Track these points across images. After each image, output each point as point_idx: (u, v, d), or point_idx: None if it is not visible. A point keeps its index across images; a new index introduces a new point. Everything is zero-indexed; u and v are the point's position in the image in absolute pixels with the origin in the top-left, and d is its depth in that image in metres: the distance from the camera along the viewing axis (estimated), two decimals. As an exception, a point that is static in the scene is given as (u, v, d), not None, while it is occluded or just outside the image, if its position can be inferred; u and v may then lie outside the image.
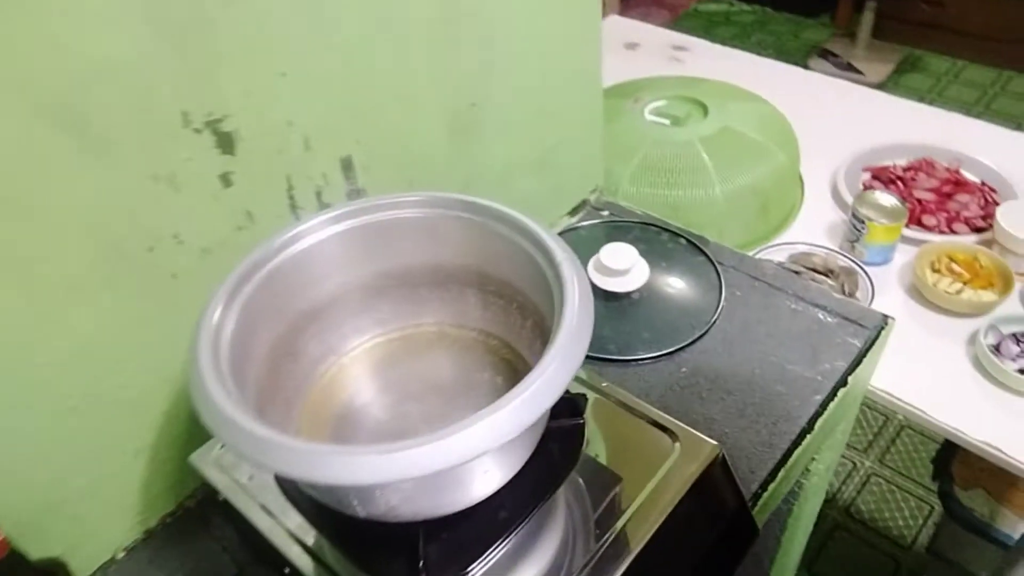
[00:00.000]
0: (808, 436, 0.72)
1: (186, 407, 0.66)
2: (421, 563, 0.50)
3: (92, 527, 0.64)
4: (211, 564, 0.65)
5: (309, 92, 0.63)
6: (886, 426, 1.69)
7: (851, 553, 1.44)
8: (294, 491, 0.57)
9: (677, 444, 0.58)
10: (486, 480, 0.50)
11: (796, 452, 0.71)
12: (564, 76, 0.89)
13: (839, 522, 1.48)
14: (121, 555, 0.67)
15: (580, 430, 0.59)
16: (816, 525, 1.49)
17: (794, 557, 1.07)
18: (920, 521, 1.47)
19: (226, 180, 0.60)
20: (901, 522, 1.48)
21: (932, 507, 1.49)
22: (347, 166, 0.69)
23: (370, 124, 0.69)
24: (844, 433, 0.91)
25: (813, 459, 0.85)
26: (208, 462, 0.61)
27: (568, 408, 0.59)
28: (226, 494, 0.58)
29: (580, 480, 0.58)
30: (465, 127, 0.79)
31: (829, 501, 1.56)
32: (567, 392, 0.58)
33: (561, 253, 0.51)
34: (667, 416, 0.61)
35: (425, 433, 0.55)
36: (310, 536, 0.54)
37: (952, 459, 1.10)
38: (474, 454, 0.41)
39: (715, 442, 0.58)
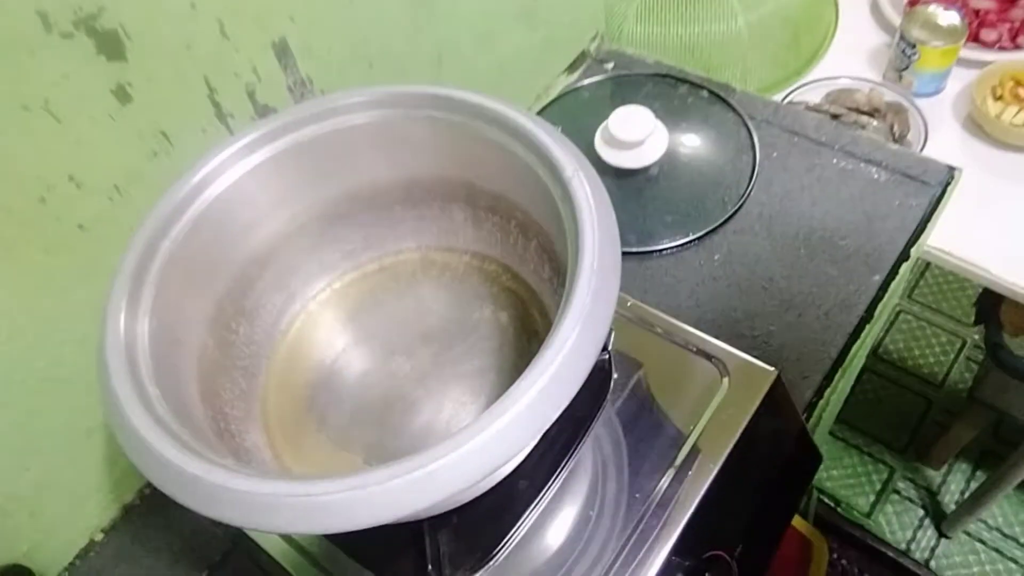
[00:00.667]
0: (868, 325, 0.62)
1: (138, 369, 0.56)
2: (429, 564, 0.41)
3: (56, 518, 0.56)
4: (201, 538, 0.58)
5: (212, -41, 0.47)
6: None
7: (881, 395, 1.39)
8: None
9: (726, 374, 0.48)
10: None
11: (855, 346, 0.61)
12: None
13: (867, 364, 1.42)
14: (100, 536, 0.60)
15: (606, 367, 0.49)
16: (843, 368, 1.43)
17: (831, 421, 1.01)
18: (952, 357, 1.41)
19: (122, 95, 0.46)
20: (932, 359, 1.42)
21: (964, 341, 1.43)
22: (282, 52, 0.54)
23: (305, -8, 0.53)
24: (896, 295, 0.81)
25: (863, 337, 0.75)
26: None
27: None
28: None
29: (614, 422, 0.49)
30: (429, -20, 0.62)
31: (856, 342, 1.50)
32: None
33: (570, 165, 0.38)
34: (709, 339, 0.50)
35: (422, 399, 0.46)
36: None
37: (999, 304, 1.01)
38: (481, 475, 0.30)
39: (771, 368, 0.48)
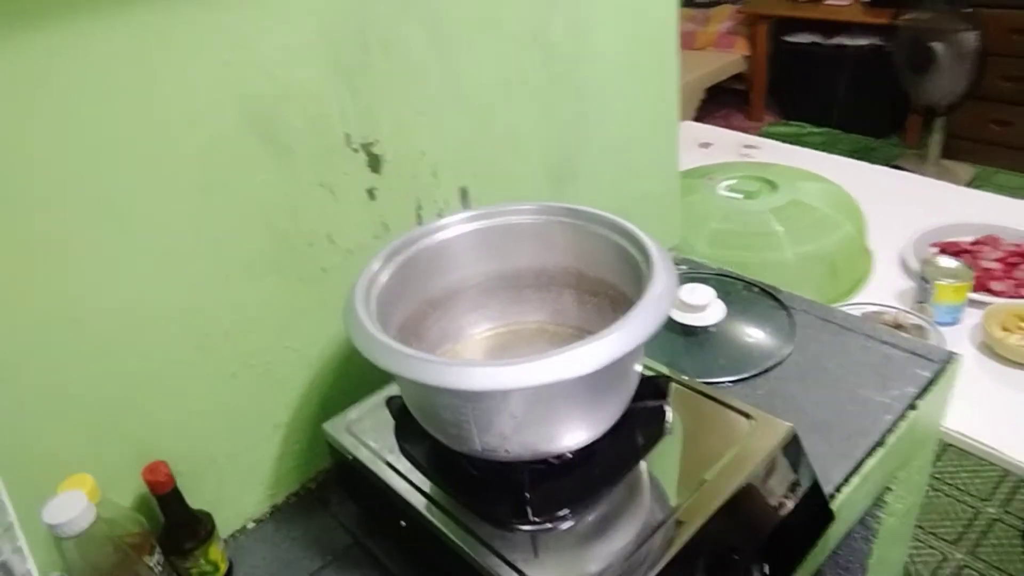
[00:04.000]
0: (880, 449, 0.76)
1: (319, 391, 0.76)
2: (528, 505, 0.57)
3: (232, 491, 0.73)
4: (329, 535, 0.73)
5: (441, 131, 0.77)
6: (977, 518, 1.63)
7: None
8: (414, 451, 0.66)
9: (753, 423, 0.65)
10: (580, 430, 0.58)
11: (870, 462, 0.75)
12: (646, 135, 1.02)
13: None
14: (251, 526, 0.75)
15: (663, 409, 0.66)
16: (906, 617, 1.43)
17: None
18: (1018, 616, 1.40)
19: (371, 194, 0.73)
20: (997, 616, 1.41)
21: (1030, 602, 1.42)
22: (464, 196, 0.82)
23: (485, 163, 0.83)
24: (921, 472, 0.93)
25: (890, 490, 0.87)
26: (339, 429, 0.70)
27: (651, 390, 0.66)
28: (355, 453, 0.67)
29: (665, 454, 0.65)
30: (561, 174, 0.92)
31: (918, 592, 1.50)
32: (651, 375, 0.67)
33: (650, 241, 0.61)
34: (743, 403, 0.67)
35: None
36: (429, 487, 0.62)
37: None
38: (591, 368, 0.49)
39: (789, 423, 0.64)
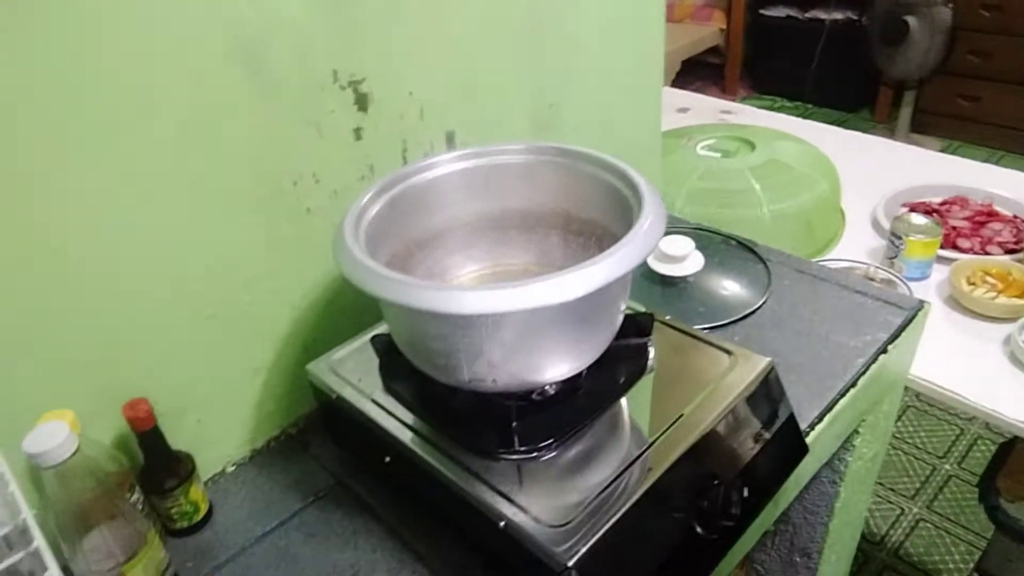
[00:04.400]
0: (852, 391, 0.78)
1: (301, 334, 0.76)
2: (514, 434, 0.58)
3: (212, 433, 0.72)
4: (311, 477, 0.73)
5: (428, 71, 0.76)
6: (933, 475, 1.69)
7: (902, 595, 1.43)
8: (400, 388, 0.66)
9: (734, 358, 0.66)
10: (565, 362, 0.58)
11: (842, 403, 0.77)
12: (630, 89, 1.02)
13: (888, 563, 1.47)
14: (231, 468, 0.75)
15: (646, 346, 0.68)
16: (865, 566, 1.49)
17: (843, 558, 1.09)
18: (971, 565, 1.45)
19: (358, 134, 0.73)
20: (952, 565, 1.46)
21: (983, 551, 1.48)
22: (450, 139, 0.81)
23: (472, 108, 0.82)
24: (888, 418, 0.96)
25: (858, 434, 0.90)
26: (323, 369, 0.70)
27: (635, 328, 0.67)
28: (340, 392, 0.67)
29: (647, 388, 0.66)
30: (544, 123, 0.91)
31: (877, 544, 1.55)
32: (634, 314, 0.68)
33: (639, 176, 0.62)
34: (723, 341, 0.69)
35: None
36: (414, 422, 0.63)
37: (997, 474, 1.12)
38: (582, 292, 0.50)
39: (769, 358, 0.66)
